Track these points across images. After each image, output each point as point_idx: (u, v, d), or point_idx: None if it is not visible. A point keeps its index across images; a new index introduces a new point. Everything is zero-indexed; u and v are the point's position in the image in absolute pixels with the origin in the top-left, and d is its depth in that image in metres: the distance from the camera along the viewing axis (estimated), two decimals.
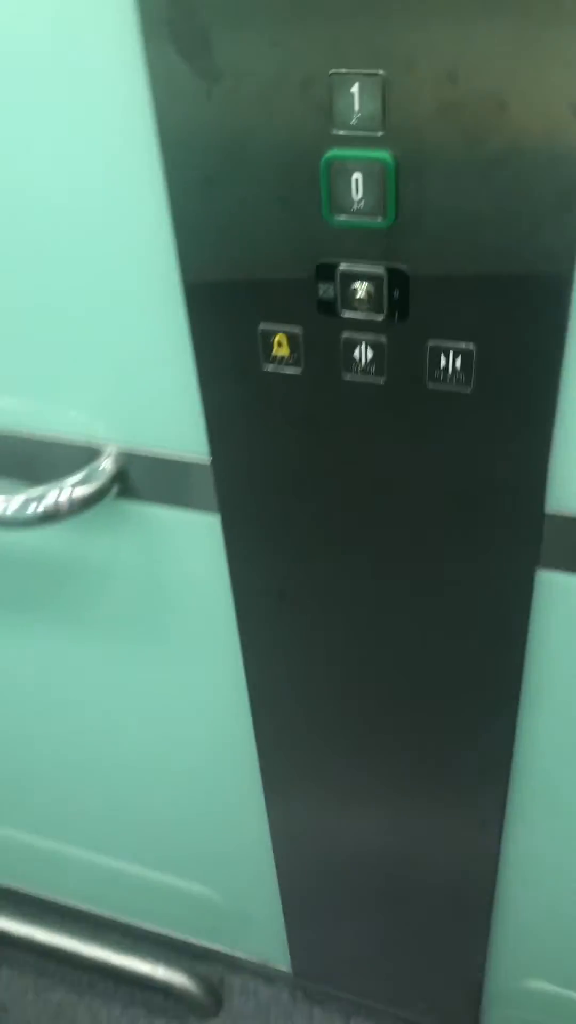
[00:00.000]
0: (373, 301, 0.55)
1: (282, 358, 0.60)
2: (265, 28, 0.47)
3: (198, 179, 0.53)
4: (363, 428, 0.61)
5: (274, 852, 1.01)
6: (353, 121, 0.49)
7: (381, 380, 0.58)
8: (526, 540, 0.63)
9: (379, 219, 0.51)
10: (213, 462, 0.68)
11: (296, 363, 0.59)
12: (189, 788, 1.00)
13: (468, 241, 0.51)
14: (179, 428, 0.67)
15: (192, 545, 0.75)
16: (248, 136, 0.51)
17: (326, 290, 0.56)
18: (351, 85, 0.47)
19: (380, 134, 0.49)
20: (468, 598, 0.67)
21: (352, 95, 0.48)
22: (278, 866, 1.02)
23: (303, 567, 0.71)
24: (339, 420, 0.61)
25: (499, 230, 0.50)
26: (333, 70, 0.47)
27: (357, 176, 0.50)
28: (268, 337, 0.59)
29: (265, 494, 0.68)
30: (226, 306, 0.59)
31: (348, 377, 0.59)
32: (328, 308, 0.56)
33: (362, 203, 0.51)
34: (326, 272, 0.55)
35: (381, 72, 0.47)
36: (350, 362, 0.58)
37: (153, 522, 0.74)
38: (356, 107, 0.48)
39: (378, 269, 0.54)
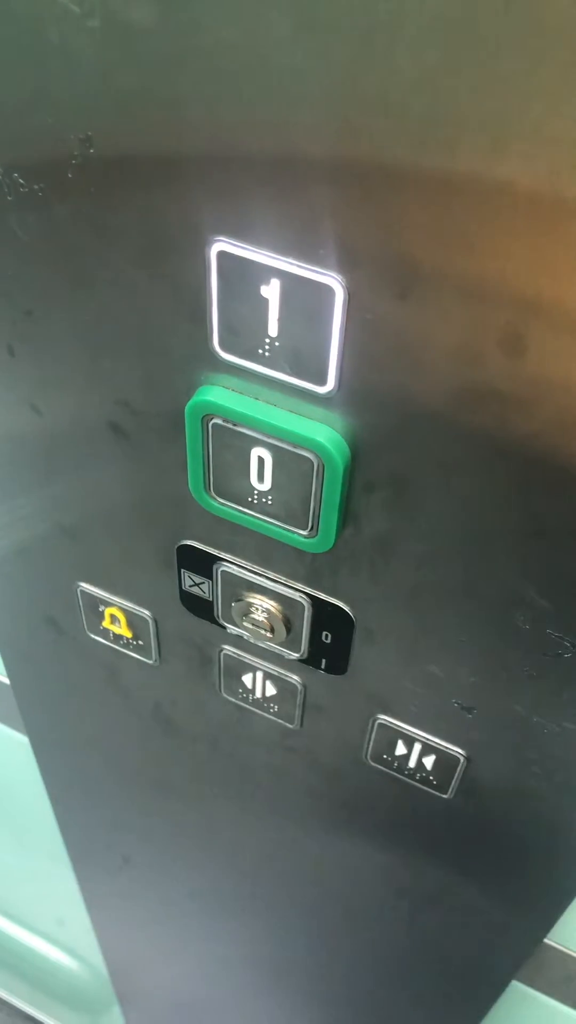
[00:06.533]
0: (279, 631, 0.27)
1: (119, 636, 0.33)
2: None
3: None
4: (245, 755, 0.35)
5: None
6: (263, 349, 0.20)
7: (290, 725, 0.31)
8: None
9: (302, 533, 0.23)
10: (13, 685, 0.42)
11: (143, 652, 0.33)
12: None
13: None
14: None
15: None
16: None
17: (196, 583, 0.28)
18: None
19: (324, 390, 0.20)
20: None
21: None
22: None
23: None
24: (206, 734, 0.35)
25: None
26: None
27: (262, 456, 0.22)
28: (95, 604, 0.32)
29: (86, 768, 0.43)
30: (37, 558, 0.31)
31: (230, 697, 0.32)
32: (198, 606, 0.29)
33: (268, 499, 0.23)
34: (194, 559, 0.27)
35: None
36: (235, 685, 0.31)
37: None
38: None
39: (294, 595, 0.26)
